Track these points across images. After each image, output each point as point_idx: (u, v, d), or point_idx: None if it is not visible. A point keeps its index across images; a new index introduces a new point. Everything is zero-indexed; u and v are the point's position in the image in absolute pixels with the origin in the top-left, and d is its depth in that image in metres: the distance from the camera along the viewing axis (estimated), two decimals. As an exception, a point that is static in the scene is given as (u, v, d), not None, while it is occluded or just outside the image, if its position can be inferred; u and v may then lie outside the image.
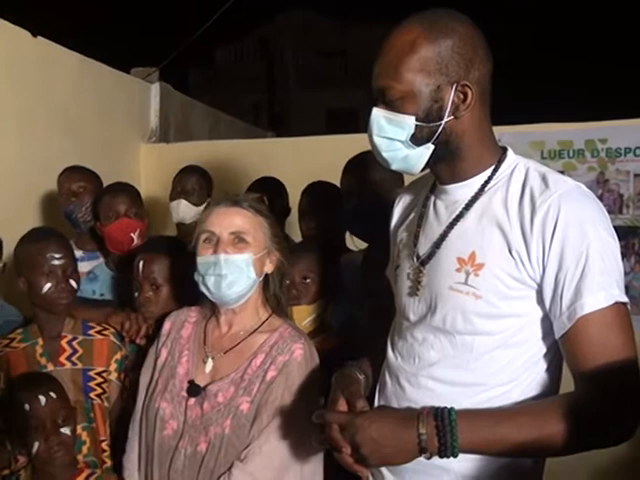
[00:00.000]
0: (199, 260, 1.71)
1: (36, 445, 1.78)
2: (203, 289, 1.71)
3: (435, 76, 1.32)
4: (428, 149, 1.36)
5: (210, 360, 1.74)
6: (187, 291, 1.78)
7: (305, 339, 1.75)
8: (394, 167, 1.42)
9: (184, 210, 2.91)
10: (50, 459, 1.79)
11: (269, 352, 1.70)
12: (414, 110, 1.33)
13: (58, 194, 2.83)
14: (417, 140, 1.35)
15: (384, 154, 1.40)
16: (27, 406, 1.78)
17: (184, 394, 1.71)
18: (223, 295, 1.70)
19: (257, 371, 1.68)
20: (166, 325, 1.87)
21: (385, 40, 1.37)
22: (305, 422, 1.57)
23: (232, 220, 1.71)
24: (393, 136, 1.36)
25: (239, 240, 1.69)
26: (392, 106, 1.35)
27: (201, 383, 1.71)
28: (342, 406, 1.41)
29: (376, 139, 1.39)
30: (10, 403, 1.83)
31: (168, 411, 1.71)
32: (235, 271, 1.67)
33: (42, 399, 1.79)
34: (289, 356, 1.68)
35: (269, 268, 1.77)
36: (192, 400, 1.69)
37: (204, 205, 2.78)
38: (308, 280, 2.10)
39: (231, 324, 1.78)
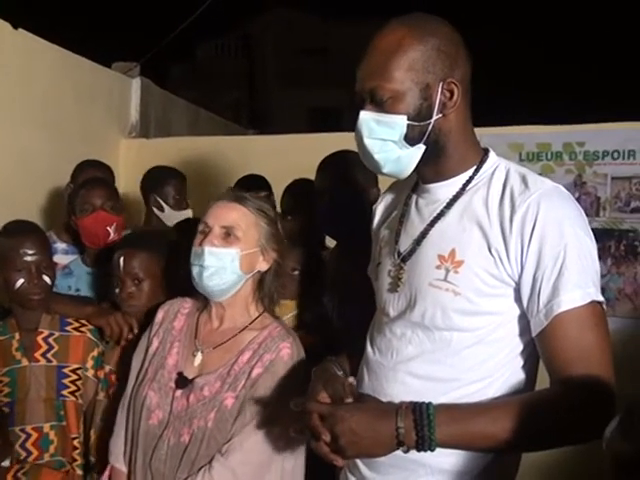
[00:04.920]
0: (192, 249, 1.73)
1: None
2: (192, 278, 1.74)
3: (423, 74, 1.33)
4: (420, 149, 1.37)
5: (199, 354, 1.76)
6: (173, 284, 1.78)
7: (293, 338, 1.75)
8: (386, 170, 1.42)
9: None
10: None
11: (257, 349, 1.71)
12: (405, 109, 1.34)
13: (70, 182, 2.80)
14: (410, 140, 1.36)
15: (376, 156, 1.39)
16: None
17: (172, 385, 1.73)
18: (205, 286, 1.71)
19: (243, 367, 1.69)
20: (159, 314, 1.88)
21: (369, 43, 1.38)
22: (288, 421, 1.57)
23: (227, 214, 1.72)
24: (385, 137, 1.36)
25: (229, 234, 1.70)
26: (382, 107, 1.35)
27: (189, 376, 1.72)
28: (323, 398, 1.41)
29: (367, 141, 1.38)
30: None
31: (155, 401, 1.72)
32: (217, 264, 1.68)
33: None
34: (275, 354, 1.69)
35: (262, 266, 1.77)
36: (179, 392, 1.71)
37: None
38: (295, 272, 2.11)
39: (222, 319, 1.79)
